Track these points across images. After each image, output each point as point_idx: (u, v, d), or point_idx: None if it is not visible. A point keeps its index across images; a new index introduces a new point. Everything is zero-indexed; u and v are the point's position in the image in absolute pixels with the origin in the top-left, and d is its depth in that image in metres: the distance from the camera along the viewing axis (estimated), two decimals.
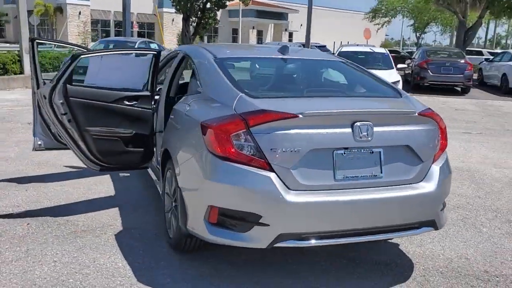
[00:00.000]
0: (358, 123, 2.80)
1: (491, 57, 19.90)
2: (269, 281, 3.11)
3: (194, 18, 23.46)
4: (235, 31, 48.21)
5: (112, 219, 4.10)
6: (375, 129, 2.84)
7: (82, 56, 3.84)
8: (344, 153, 2.83)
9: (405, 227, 2.98)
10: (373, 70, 4.40)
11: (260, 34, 52.63)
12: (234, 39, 49.39)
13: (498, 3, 20.79)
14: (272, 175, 2.71)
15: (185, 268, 3.26)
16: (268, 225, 2.71)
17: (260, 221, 2.72)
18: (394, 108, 3.09)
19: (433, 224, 3.05)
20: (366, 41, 30.13)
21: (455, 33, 27.52)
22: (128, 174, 5.27)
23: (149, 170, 4.43)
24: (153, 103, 4.01)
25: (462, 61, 15.19)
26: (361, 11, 50.99)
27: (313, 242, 2.81)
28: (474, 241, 3.89)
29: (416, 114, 3.02)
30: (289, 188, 2.72)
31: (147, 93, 4.06)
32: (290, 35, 54.58)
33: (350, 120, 2.82)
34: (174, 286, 3.04)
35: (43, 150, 4.94)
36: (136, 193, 4.82)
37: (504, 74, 15.21)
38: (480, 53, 25.95)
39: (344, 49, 13.28)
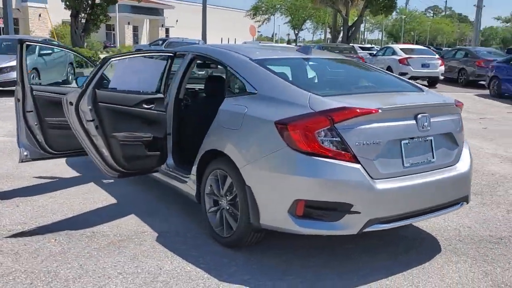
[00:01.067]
0: (420, 115, 3.20)
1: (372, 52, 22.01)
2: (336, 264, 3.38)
3: (83, 14, 22.10)
4: (108, 27, 46.14)
5: (138, 226, 4.01)
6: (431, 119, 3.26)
7: (112, 60, 3.69)
8: (409, 143, 3.20)
9: (451, 203, 3.46)
10: None
11: (135, 30, 51.14)
12: (109, 36, 47.32)
13: (376, 2, 23.19)
14: (359, 167, 2.98)
15: (251, 263, 3.37)
16: (360, 213, 2.98)
17: (351, 209, 2.97)
18: (441, 101, 3.54)
19: (466, 199, 3.58)
20: (253, 38, 31.21)
21: (328, 30, 29.78)
22: (112, 180, 5.07)
23: (157, 174, 4.37)
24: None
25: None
26: (243, 9, 52.35)
27: (391, 224, 3.14)
28: (462, 213, 4.53)
29: (454, 105, 3.52)
30: (372, 178, 3.02)
31: (161, 95, 4.03)
32: (167, 31, 53.93)
33: (414, 113, 3.20)
34: (256, 281, 3.15)
35: (29, 161, 4.59)
36: (138, 198, 4.70)
37: (389, 67, 17.03)
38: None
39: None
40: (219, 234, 3.63)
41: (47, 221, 4.05)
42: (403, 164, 3.17)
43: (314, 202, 3.01)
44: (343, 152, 2.97)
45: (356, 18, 24.51)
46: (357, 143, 2.99)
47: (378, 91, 3.73)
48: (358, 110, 3.00)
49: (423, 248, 3.73)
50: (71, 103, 3.63)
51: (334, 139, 2.97)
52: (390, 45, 21.89)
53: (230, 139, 3.43)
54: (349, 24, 23.91)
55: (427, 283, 3.15)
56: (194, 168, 3.86)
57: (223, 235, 3.59)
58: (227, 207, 3.54)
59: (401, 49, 18.26)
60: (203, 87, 4.91)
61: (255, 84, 3.49)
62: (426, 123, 3.22)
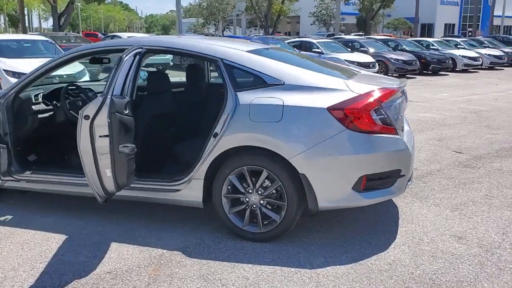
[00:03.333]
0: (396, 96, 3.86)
1: None
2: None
3: None
4: None
5: (183, 236, 3.73)
6: None
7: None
8: (399, 117, 3.85)
9: None
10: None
11: None
12: None
13: None
14: (400, 137, 3.52)
15: (313, 248, 3.52)
16: (404, 175, 3.54)
17: (400, 174, 3.50)
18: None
19: None
20: None
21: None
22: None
23: (125, 192, 3.81)
24: None
25: None
26: None
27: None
28: None
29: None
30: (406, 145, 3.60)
31: (128, 98, 3.56)
32: None
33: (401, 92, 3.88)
34: (332, 259, 3.35)
35: None
36: (133, 209, 3.95)
37: None
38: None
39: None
40: (251, 231, 3.56)
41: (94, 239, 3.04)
42: (403, 130, 3.85)
43: (375, 174, 3.39)
44: (390, 127, 3.44)
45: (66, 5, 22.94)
46: (395, 118, 3.52)
47: (351, 74, 4.16)
48: (394, 90, 3.51)
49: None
50: (87, 117, 2.86)
51: (383, 116, 3.40)
52: (117, 33, 21.53)
53: (269, 132, 3.39)
54: (59, 11, 22.20)
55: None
56: (199, 172, 3.59)
57: (259, 230, 3.54)
58: (262, 202, 3.51)
59: (128, 37, 18.38)
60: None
61: (277, 76, 3.51)
62: (405, 101, 3.96)
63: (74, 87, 4.53)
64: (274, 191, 3.49)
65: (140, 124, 3.79)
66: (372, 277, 3.07)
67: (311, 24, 51.84)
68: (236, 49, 3.75)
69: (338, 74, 3.78)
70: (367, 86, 3.47)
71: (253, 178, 3.50)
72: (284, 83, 3.48)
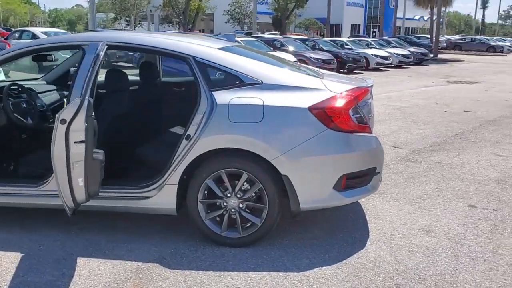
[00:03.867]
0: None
1: None
2: None
3: None
4: None
5: (155, 246, 3.40)
6: None
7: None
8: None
9: None
10: None
11: None
12: None
13: None
14: (374, 135, 3.58)
15: (294, 250, 3.46)
16: (379, 173, 3.60)
17: (376, 171, 3.56)
18: None
19: None
20: None
21: None
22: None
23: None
24: None
25: None
26: None
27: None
28: None
29: None
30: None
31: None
32: None
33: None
34: (317, 260, 3.33)
35: None
36: (91, 220, 3.59)
37: None
38: None
39: None
40: (230, 237, 3.44)
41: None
42: None
43: (354, 173, 3.41)
44: (365, 125, 3.48)
45: None
46: (369, 116, 3.57)
47: (320, 73, 4.14)
48: (367, 89, 3.55)
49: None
50: (63, 121, 2.57)
51: (359, 115, 3.43)
52: (27, 28, 19.92)
53: (250, 133, 3.28)
54: None
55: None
56: (173, 177, 3.40)
57: (239, 235, 3.43)
58: (241, 206, 3.40)
59: (41, 32, 17.19)
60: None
61: (255, 75, 3.41)
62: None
63: (15, 87, 4.08)
64: (253, 194, 3.38)
65: (100, 126, 3.50)
66: (361, 276, 3.09)
67: (226, 22, 51.93)
68: (207, 46, 3.59)
69: (312, 73, 3.76)
70: (343, 85, 3.48)
71: (231, 182, 3.37)
72: (262, 82, 3.38)
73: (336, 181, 3.31)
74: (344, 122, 3.29)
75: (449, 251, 3.44)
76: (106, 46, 3.42)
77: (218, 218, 3.45)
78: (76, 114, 2.72)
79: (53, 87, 4.75)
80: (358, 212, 4.17)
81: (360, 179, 3.45)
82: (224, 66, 3.43)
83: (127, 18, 50.43)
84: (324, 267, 3.19)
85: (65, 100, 4.77)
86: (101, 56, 3.28)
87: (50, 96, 4.61)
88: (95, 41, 3.46)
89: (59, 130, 2.74)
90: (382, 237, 3.67)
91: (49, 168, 3.51)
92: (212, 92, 3.34)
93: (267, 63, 3.65)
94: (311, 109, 3.25)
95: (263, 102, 3.27)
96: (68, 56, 6.14)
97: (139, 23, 52.68)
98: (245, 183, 3.36)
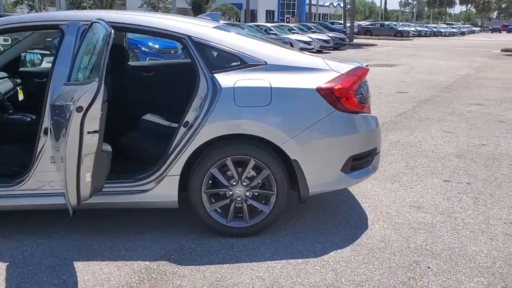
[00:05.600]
0: None
1: None
2: None
3: None
4: None
5: (156, 243, 3.07)
6: None
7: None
8: None
9: None
10: None
11: None
12: None
13: None
14: (374, 116, 3.57)
15: (301, 235, 3.38)
16: (378, 153, 3.60)
17: (376, 151, 3.56)
18: None
19: None
20: None
21: None
22: None
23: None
24: None
25: None
26: None
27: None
28: None
29: None
30: None
31: None
32: None
33: None
34: (329, 244, 3.29)
35: None
36: (74, 220, 3.21)
37: None
38: None
39: None
40: (237, 227, 3.29)
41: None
42: None
43: (359, 154, 3.39)
44: (366, 105, 3.46)
45: None
46: (368, 97, 3.56)
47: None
48: (367, 68, 3.53)
49: None
50: (79, 109, 2.26)
51: (361, 95, 3.40)
52: None
53: (258, 118, 3.12)
54: None
55: None
56: (174, 168, 3.17)
57: (245, 225, 3.29)
58: (248, 194, 3.26)
59: None
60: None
61: (258, 55, 3.24)
62: None
63: None
64: (260, 181, 3.24)
65: None
66: (378, 256, 3.08)
67: (139, 7, 49.99)
68: (202, 26, 3.36)
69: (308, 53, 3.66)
70: (344, 65, 3.42)
71: (236, 169, 3.20)
72: (266, 63, 3.22)
73: (344, 163, 3.26)
74: (350, 102, 3.24)
75: (447, 226, 3.55)
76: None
77: (223, 209, 3.26)
78: (93, 101, 2.39)
79: (4, 74, 4.23)
80: (344, 192, 4.17)
81: (363, 160, 3.43)
82: (224, 47, 3.22)
83: (31, 2, 46.75)
84: (339, 251, 3.15)
85: (18, 88, 4.29)
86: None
87: (3, 85, 4.10)
88: (82, 20, 3.10)
89: (74, 119, 2.40)
90: (380, 216, 3.70)
91: (25, 165, 3.13)
92: (214, 75, 3.13)
93: (267, 43, 3.49)
94: (319, 90, 3.16)
95: (270, 84, 3.12)
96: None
97: (43, 8, 49.10)
98: (251, 170, 3.21)
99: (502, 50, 25.59)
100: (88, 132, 2.45)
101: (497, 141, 6.08)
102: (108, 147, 2.70)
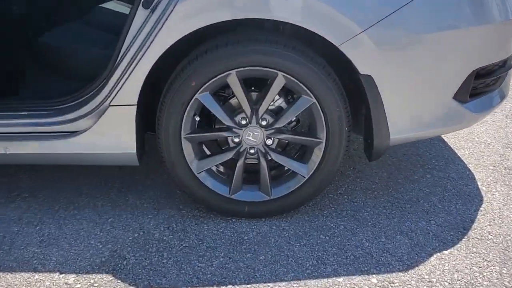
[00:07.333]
0: None
1: None
2: None
3: None
4: None
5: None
6: None
7: None
8: None
9: None
10: None
11: None
12: None
13: None
14: None
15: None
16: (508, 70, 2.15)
17: (506, 65, 2.11)
18: None
19: None
20: None
21: None
22: None
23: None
24: None
25: None
26: None
27: None
28: None
29: None
30: None
31: None
32: None
33: None
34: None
35: None
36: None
37: None
38: None
39: None
40: (249, 201, 1.99)
41: None
42: None
43: (486, 67, 1.94)
44: None
45: None
46: None
47: None
48: None
49: None
50: None
51: None
52: None
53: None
54: None
55: None
56: (124, 90, 1.81)
57: (265, 198, 1.96)
58: (269, 142, 1.96)
59: None
60: None
61: None
62: None
63: None
64: (294, 118, 1.77)
65: None
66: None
67: None
68: None
69: None
70: None
71: (250, 95, 1.77)
72: None
73: (462, 84, 1.74)
74: None
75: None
76: None
77: (221, 170, 1.92)
78: None
79: None
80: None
81: (490, 79, 1.88)
82: None
83: None
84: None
85: None
86: None
87: None
88: None
89: None
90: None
91: None
92: None
93: None
94: None
95: None
96: None
97: None
98: (277, 96, 1.65)
99: None
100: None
101: None
102: None
